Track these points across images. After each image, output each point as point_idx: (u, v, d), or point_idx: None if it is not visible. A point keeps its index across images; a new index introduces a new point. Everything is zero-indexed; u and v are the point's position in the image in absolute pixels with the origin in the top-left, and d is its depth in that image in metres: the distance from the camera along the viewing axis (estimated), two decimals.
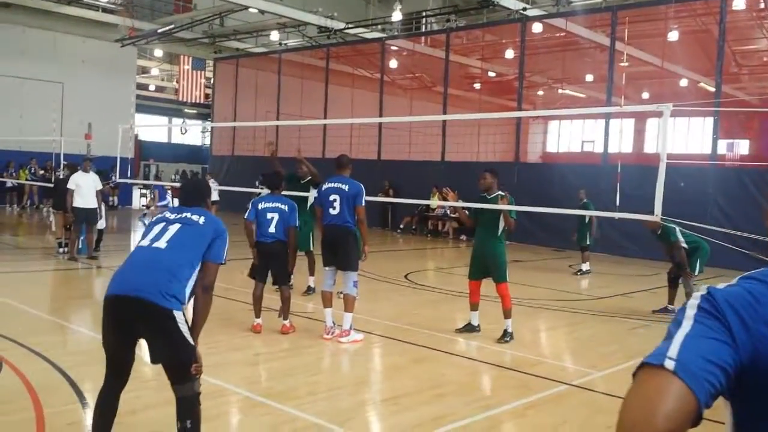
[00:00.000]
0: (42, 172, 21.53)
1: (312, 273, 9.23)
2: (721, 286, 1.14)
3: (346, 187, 6.81)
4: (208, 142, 32.86)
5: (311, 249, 9.10)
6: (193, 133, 36.68)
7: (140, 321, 3.28)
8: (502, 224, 7.10)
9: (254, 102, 25.42)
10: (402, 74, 25.38)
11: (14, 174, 21.18)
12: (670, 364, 1.01)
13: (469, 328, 7.39)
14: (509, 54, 21.13)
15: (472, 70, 25.64)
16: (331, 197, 6.79)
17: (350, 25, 23.40)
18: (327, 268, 6.92)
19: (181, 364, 3.28)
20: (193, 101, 33.27)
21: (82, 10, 24.05)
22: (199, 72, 32.33)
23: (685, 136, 27.04)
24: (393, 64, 23.82)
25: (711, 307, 1.10)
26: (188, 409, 3.29)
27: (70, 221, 11.52)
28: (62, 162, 14.50)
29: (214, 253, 3.46)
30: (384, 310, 8.48)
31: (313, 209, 8.38)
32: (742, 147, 24.75)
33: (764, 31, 19.07)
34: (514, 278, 8.05)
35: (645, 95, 24.56)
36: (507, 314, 7.12)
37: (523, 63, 18.73)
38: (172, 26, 24.61)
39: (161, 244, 3.40)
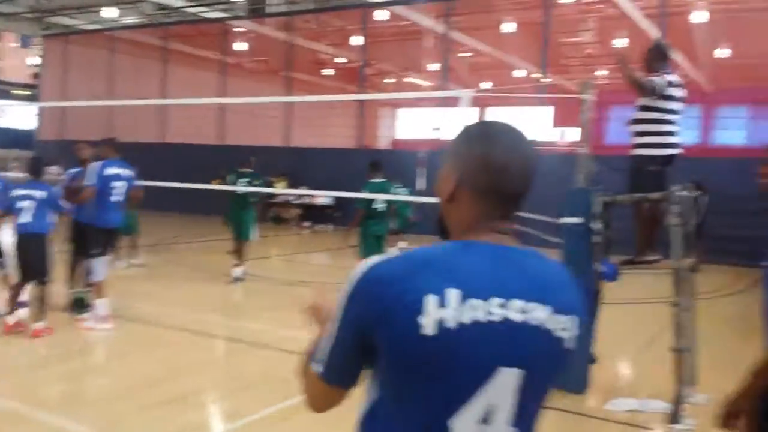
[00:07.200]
0: None
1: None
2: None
3: None
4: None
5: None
6: (18, 116, 33.51)
7: None
8: None
9: (87, 83, 23.63)
10: (248, 57, 24.59)
11: None
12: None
13: None
14: (356, 41, 21.04)
15: (321, 56, 25.33)
16: None
17: (191, 4, 22.32)
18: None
19: None
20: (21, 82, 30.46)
21: None
22: (26, 50, 29.69)
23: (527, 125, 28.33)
24: (238, 46, 22.97)
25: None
26: None
27: None
28: None
29: None
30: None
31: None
32: (573, 134, 26.35)
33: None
34: None
35: (487, 85, 25.39)
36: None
37: (366, 49, 18.74)
38: None
39: None
